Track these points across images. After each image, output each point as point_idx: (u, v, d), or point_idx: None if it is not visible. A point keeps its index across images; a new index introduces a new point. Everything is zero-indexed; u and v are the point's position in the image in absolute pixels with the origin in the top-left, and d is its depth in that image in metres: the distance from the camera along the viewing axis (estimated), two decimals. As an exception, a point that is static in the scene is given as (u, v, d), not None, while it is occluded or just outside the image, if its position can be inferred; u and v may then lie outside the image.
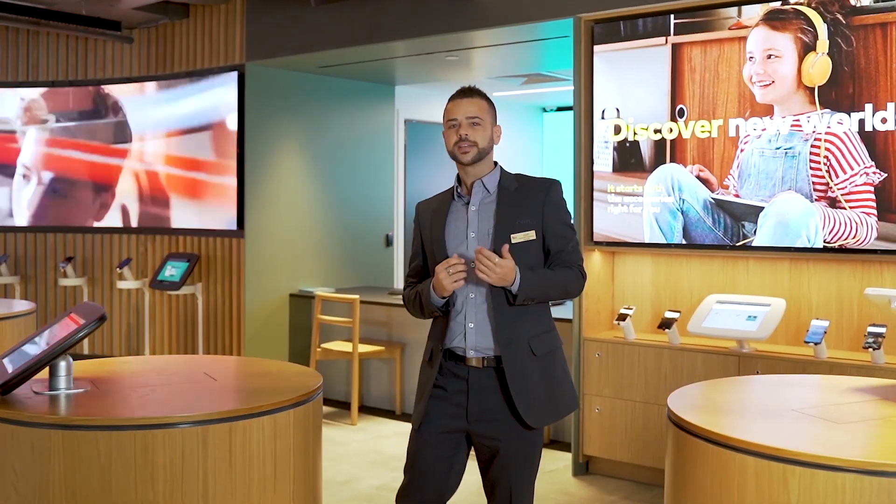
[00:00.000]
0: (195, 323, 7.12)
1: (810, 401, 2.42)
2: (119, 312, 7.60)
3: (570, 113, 10.91)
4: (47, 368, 2.44)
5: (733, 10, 4.42)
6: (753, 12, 4.35)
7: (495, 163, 2.80)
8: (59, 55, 7.64)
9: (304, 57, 6.40)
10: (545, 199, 2.72)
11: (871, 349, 3.96)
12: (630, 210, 4.80)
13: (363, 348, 6.04)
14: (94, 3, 6.52)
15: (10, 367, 2.44)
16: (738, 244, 4.44)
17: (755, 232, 4.38)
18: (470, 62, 6.76)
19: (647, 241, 4.75)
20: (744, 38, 4.39)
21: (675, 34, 4.61)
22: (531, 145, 10.06)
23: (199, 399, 2.42)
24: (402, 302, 2.93)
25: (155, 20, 7.05)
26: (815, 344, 4.11)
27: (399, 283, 8.03)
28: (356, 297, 6.02)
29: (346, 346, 6.09)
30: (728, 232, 4.47)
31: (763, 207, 4.35)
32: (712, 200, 4.52)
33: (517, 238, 2.65)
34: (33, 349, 2.50)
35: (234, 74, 6.69)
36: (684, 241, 4.62)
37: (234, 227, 6.78)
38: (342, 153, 7.33)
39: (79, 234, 7.67)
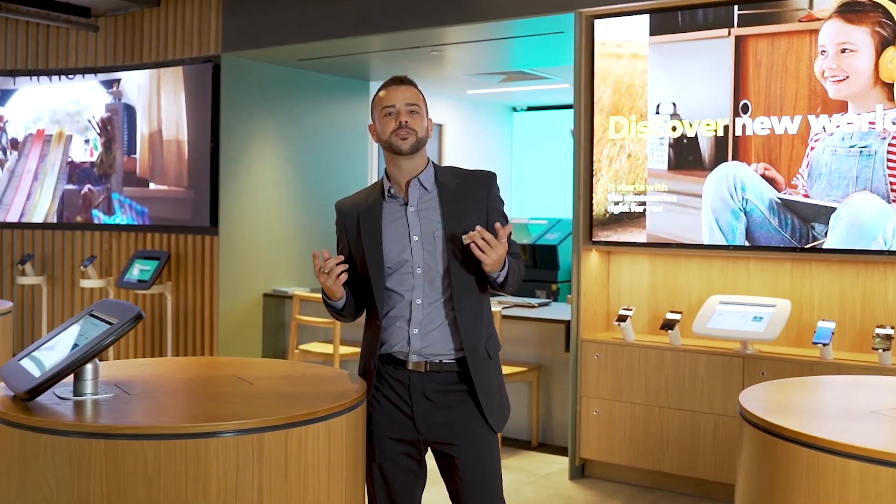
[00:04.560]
0: (163, 324, 6.85)
1: (888, 403, 2.34)
2: (80, 312, 7.28)
3: (541, 113, 10.70)
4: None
5: (804, 2, 4.22)
6: (826, 4, 4.16)
7: (427, 158, 2.65)
8: (19, 43, 7.29)
9: (283, 49, 6.19)
10: (488, 195, 2.62)
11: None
12: (686, 210, 4.57)
13: (344, 350, 5.86)
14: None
15: (35, 371, 2.24)
16: (807, 246, 4.25)
17: (825, 234, 4.19)
18: (449, 58, 6.61)
19: (705, 242, 4.53)
20: (815, 31, 4.19)
21: (738, 26, 4.40)
22: (501, 145, 9.97)
23: (247, 405, 2.25)
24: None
25: (125, 8, 6.77)
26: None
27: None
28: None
29: (326, 348, 5.91)
30: (796, 234, 4.27)
31: (835, 208, 4.17)
32: (779, 200, 4.34)
33: (468, 240, 2.47)
34: (53, 352, 2.31)
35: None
36: (747, 243, 4.40)
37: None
38: (318, 149, 7.13)
39: (38, 231, 7.34)
